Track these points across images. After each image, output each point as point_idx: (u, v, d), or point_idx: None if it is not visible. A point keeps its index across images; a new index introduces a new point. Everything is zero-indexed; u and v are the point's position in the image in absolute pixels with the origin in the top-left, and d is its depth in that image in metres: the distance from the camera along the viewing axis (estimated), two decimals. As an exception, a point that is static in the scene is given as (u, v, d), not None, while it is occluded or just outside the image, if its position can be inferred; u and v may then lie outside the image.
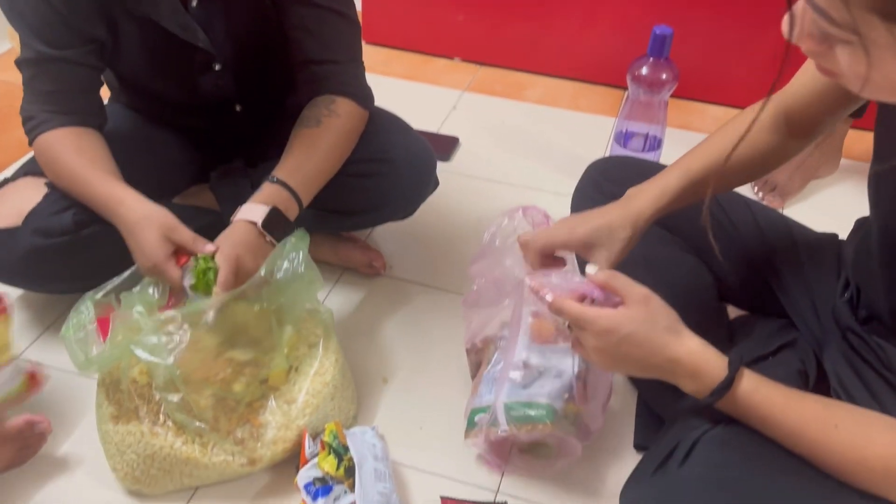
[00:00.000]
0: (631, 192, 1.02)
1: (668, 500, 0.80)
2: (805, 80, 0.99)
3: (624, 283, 0.88)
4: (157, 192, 1.19)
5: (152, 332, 1.01)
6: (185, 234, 1.09)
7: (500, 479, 1.12)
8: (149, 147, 1.36)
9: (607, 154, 1.84)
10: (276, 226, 1.12)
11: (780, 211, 1.50)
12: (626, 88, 1.83)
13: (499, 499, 1.10)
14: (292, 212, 1.15)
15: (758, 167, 1.05)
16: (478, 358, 1.20)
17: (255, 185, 1.25)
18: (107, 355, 1.03)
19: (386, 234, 1.57)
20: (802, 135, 1.03)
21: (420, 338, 1.36)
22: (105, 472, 1.09)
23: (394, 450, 1.15)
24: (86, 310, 1.08)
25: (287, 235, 1.12)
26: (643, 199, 1.00)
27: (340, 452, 1.03)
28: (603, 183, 1.25)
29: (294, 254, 1.10)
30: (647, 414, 1.18)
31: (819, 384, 1.00)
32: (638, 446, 1.15)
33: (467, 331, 1.20)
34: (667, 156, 1.70)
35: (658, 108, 1.70)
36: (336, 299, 1.43)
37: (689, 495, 0.78)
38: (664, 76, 1.65)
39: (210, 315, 1.04)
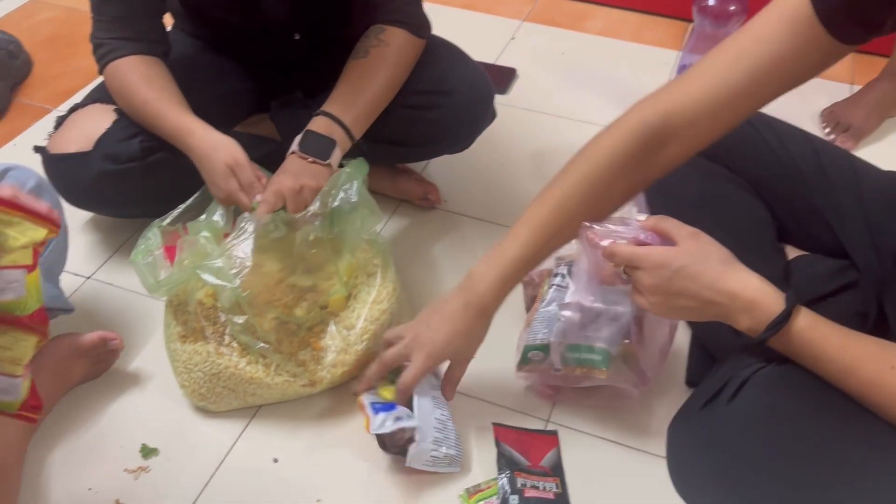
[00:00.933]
0: (473, 272, 1.00)
1: (715, 436, 0.81)
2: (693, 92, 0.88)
3: (672, 224, 0.89)
4: (218, 119, 1.22)
5: (218, 257, 1.04)
6: (245, 174, 1.13)
7: (551, 409, 1.15)
8: (211, 75, 1.38)
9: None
10: (313, 146, 1.15)
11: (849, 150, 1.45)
12: (691, 20, 1.77)
13: (549, 427, 1.13)
14: (344, 144, 1.17)
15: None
16: (533, 292, 1.21)
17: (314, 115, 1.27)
18: (174, 278, 1.08)
19: (442, 167, 1.58)
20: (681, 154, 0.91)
21: (474, 270, 1.38)
22: (173, 388, 1.14)
23: (447, 377, 1.18)
24: (153, 236, 1.13)
25: (329, 155, 1.14)
26: (484, 286, 0.98)
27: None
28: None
29: (349, 184, 1.12)
30: (699, 352, 1.19)
31: (878, 327, 0.99)
32: (689, 383, 1.16)
33: None
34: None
35: (724, 42, 1.65)
36: (392, 230, 1.45)
37: (735, 432, 0.79)
38: (732, 7, 1.60)
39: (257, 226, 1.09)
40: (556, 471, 1.06)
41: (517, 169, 1.60)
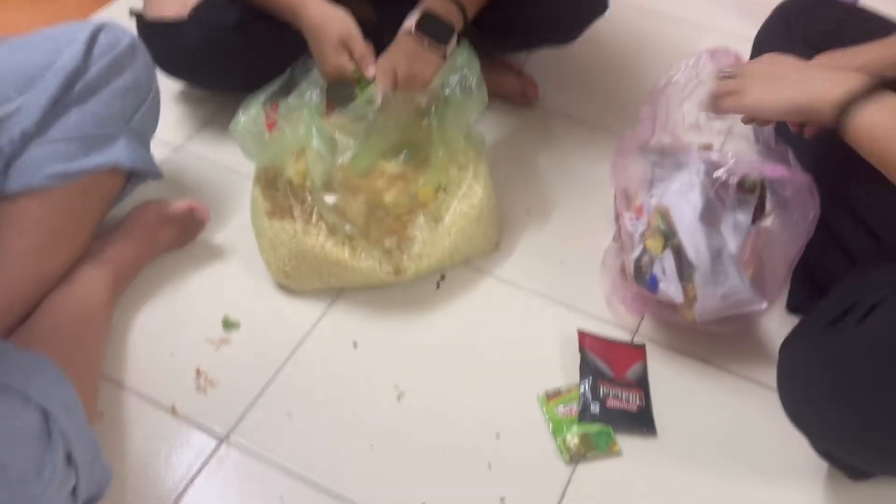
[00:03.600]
0: (836, 57, 0.95)
1: (840, 356, 0.75)
2: None
3: None
4: None
5: (330, 126, 1.01)
6: (359, 47, 1.09)
7: (639, 322, 1.10)
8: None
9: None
10: (432, 28, 1.09)
11: None
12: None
13: (636, 340, 1.08)
14: (457, 22, 1.10)
15: None
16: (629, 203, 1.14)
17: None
18: (281, 143, 1.05)
19: (542, 63, 1.49)
20: None
21: (567, 174, 1.31)
22: (257, 264, 1.13)
23: (533, 280, 1.15)
24: (255, 110, 1.11)
25: (447, 40, 1.08)
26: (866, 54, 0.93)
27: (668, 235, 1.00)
28: (795, 23, 1.13)
29: (466, 70, 1.06)
30: (803, 278, 1.11)
31: None
32: (792, 308, 1.09)
33: (620, 173, 1.13)
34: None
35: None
36: (485, 126, 1.38)
37: (864, 353, 0.73)
38: None
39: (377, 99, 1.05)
40: (641, 384, 1.02)
41: (621, 71, 1.51)
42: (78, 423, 0.78)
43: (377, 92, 1.07)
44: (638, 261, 1.02)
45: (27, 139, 0.95)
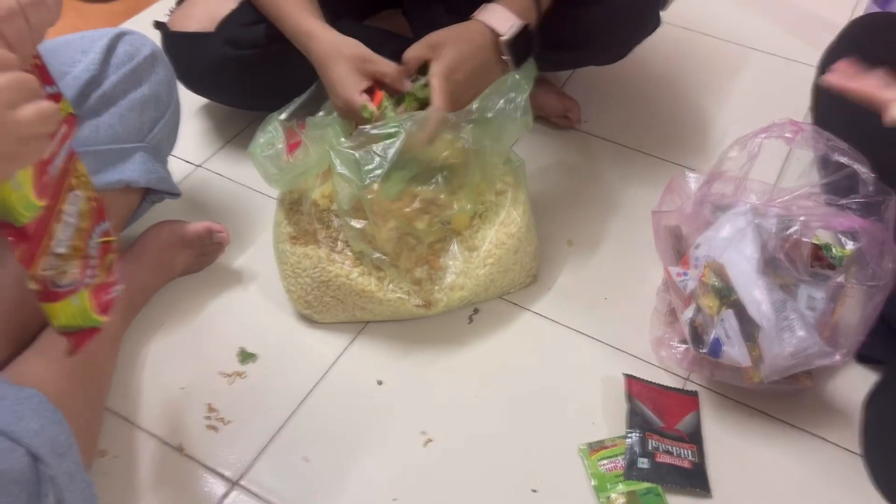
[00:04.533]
0: None
1: None
2: None
3: None
4: (347, 12, 1.12)
5: (352, 148, 0.93)
6: (385, 65, 0.98)
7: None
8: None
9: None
10: (520, 47, 0.98)
11: None
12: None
13: (688, 387, 0.98)
14: (531, 22, 1.01)
15: None
16: (674, 245, 1.05)
17: (450, 10, 1.13)
18: (301, 166, 0.97)
19: (584, 83, 1.41)
20: None
21: (611, 202, 1.23)
22: (277, 291, 1.06)
23: (574, 317, 1.06)
24: (274, 129, 1.03)
25: (522, 62, 0.99)
26: None
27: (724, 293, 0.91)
28: (867, 44, 1.04)
29: (514, 93, 0.97)
30: (879, 325, 1.01)
31: None
32: (862, 357, 0.99)
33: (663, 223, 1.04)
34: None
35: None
36: (522, 148, 1.30)
37: None
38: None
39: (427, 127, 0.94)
40: (694, 437, 0.93)
41: (668, 94, 1.42)
42: (71, 468, 0.71)
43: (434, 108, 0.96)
44: (692, 321, 0.93)
45: (36, 153, 0.89)
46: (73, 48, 0.94)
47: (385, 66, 0.98)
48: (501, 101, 0.99)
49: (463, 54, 0.97)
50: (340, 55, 0.99)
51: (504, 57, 0.99)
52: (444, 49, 0.97)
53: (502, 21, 0.98)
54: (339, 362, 1.00)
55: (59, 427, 0.71)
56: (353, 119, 0.99)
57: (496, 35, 0.98)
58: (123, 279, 0.73)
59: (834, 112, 1.10)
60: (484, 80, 0.98)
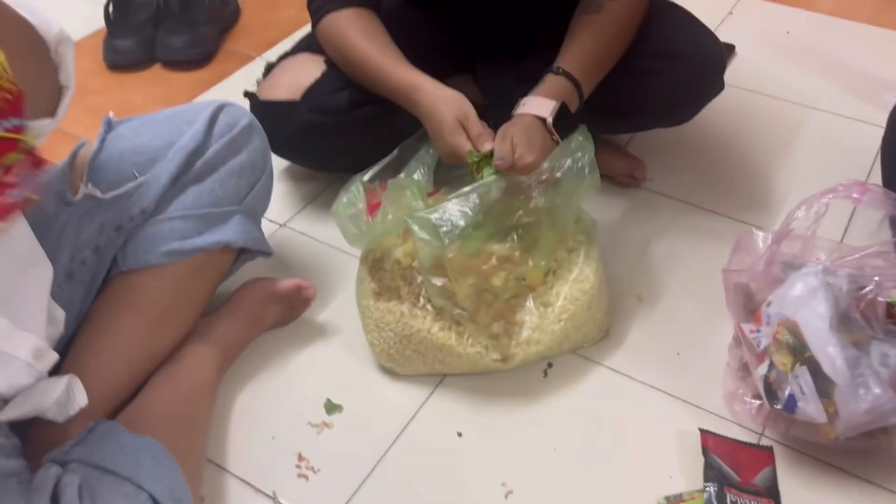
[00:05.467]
0: None
1: None
2: None
3: None
4: None
5: (429, 211, 0.99)
6: (475, 127, 1.07)
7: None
8: (413, 30, 1.32)
9: (913, 77, 1.59)
10: (561, 122, 1.06)
11: None
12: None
13: (763, 442, 1.00)
14: (573, 104, 1.08)
15: None
16: (744, 302, 1.07)
17: (521, 78, 1.19)
18: (380, 229, 1.03)
19: (649, 142, 1.46)
20: None
21: (678, 259, 1.26)
22: (360, 345, 1.11)
23: (647, 372, 1.08)
24: (356, 190, 1.10)
25: (568, 132, 1.05)
26: None
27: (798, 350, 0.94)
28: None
29: (579, 153, 1.03)
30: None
31: None
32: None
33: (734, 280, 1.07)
34: None
35: None
36: (590, 207, 1.34)
37: None
38: None
39: (492, 191, 1.01)
40: (771, 492, 0.94)
41: (731, 153, 1.46)
42: (186, 512, 0.76)
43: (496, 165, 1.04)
44: (766, 378, 0.95)
45: (146, 216, 0.96)
46: (180, 119, 1.02)
47: (476, 127, 1.07)
48: (569, 161, 1.04)
49: (527, 137, 1.05)
50: (448, 105, 1.08)
51: (554, 137, 1.07)
52: (515, 133, 1.05)
53: (543, 107, 1.07)
54: (420, 414, 1.04)
55: (175, 474, 0.76)
56: (455, 163, 1.08)
57: (543, 119, 1.06)
58: (35, 191, 0.65)
59: None
60: (542, 152, 1.05)
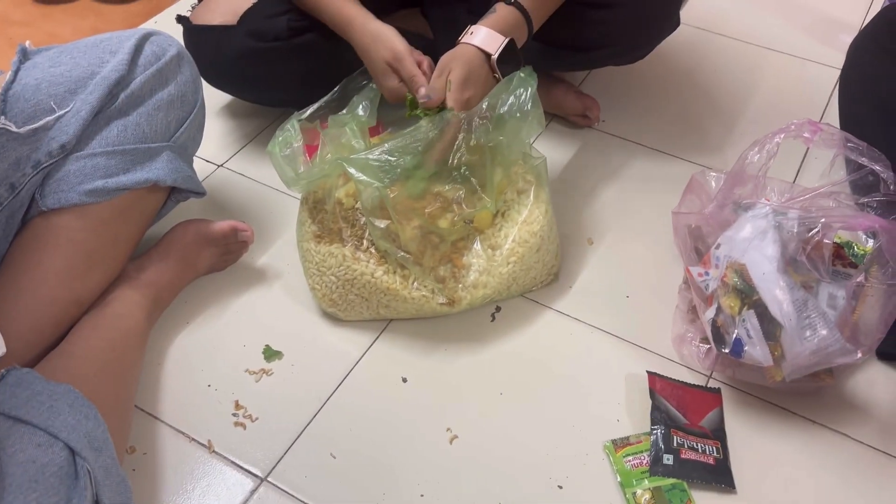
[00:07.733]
0: None
1: None
2: None
3: None
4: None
5: (367, 153, 0.94)
6: (407, 68, 1.02)
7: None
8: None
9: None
10: (508, 60, 1.01)
11: None
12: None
13: (711, 385, 0.99)
14: (522, 38, 1.03)
15: None
16: (694, 244, 1.05)
17: (471, 11, 1.13)
18: (316, 172, 0.98)
19: (602, 82, 1.42)
20: None
21: (629, 201, 1.23)
22: (301, 290, 1.07)
23: (596, 315, 1.06)
24: (292, 129, 1.04)
25: (514, 70, 1.00)
26: None
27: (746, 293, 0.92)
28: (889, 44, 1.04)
29: (521, 90, 0.98)
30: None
31: None
32: (883, 354, 1.00)
33: (683, 223, 1.05)
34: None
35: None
36: (541, 148, 1.31)
37: None
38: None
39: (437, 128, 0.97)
40: (718, 434, 0.93)
41: (685, 93, 1.43)
42: (107, 463, 0.72)
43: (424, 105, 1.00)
44: (714, 321, 0.93)
45: (66, 153, 0.90)
46: (102, 48, 0.94)
47: (408, 68, 1.02)
48: (511, 98, 1.00)
49: (467, 73, 1.01)
50: (378, 45, 1.03)
51: (496, 75, 1.02)
52: (454, 67, 1.01)
53: (490, 42, 1.01)
54: (364, 360, 1.01)
55: (94, 422, 0.72)
56: (396, 102, 1.05)
57: (488, 55, 1.01)
58: None
59: (864, 97, 1.10)
60: (482, 88, 1.02)
